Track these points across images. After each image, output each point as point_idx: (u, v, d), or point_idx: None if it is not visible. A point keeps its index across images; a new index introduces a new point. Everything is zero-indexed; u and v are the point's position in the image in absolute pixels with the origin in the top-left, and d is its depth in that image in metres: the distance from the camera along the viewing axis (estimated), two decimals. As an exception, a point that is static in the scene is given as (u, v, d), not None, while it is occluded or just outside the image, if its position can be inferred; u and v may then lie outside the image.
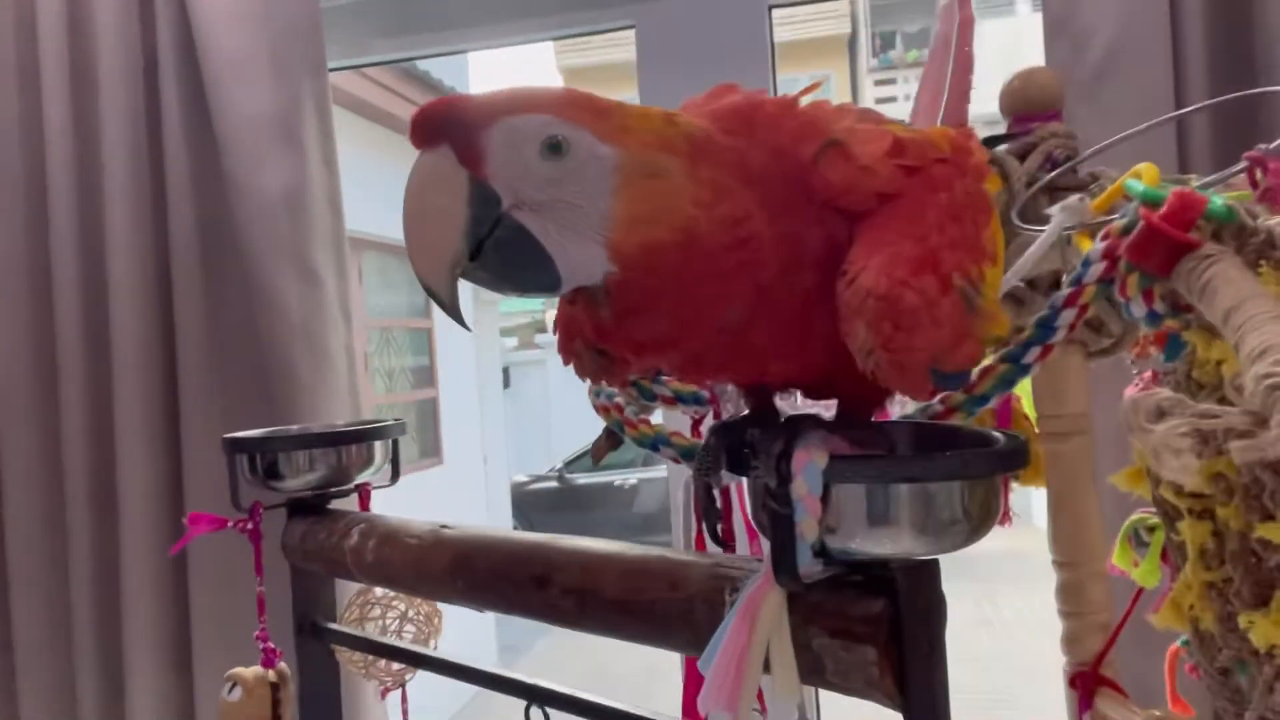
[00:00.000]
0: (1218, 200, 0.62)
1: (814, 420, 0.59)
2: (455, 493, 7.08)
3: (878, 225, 0.54)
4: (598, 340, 0.59)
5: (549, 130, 0.52)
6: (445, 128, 0.52)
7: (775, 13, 1.72)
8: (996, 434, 0.64)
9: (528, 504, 9.94)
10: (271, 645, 1.06)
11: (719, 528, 0.71)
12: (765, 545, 0.60)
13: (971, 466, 0.55)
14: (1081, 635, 0.95)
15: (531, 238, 0.53)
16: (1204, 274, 0.60)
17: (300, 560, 1.06)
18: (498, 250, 0.53)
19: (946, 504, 0.56)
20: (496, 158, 0.52)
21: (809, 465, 0.55)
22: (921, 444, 0.66)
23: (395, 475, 1.12)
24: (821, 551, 0.58)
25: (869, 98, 16.84)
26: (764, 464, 0.56)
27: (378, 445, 1.08)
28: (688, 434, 0.86)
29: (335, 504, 1.10)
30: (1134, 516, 0.93)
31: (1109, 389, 1.02)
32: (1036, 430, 0.98)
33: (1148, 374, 0.90)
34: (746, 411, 0.66)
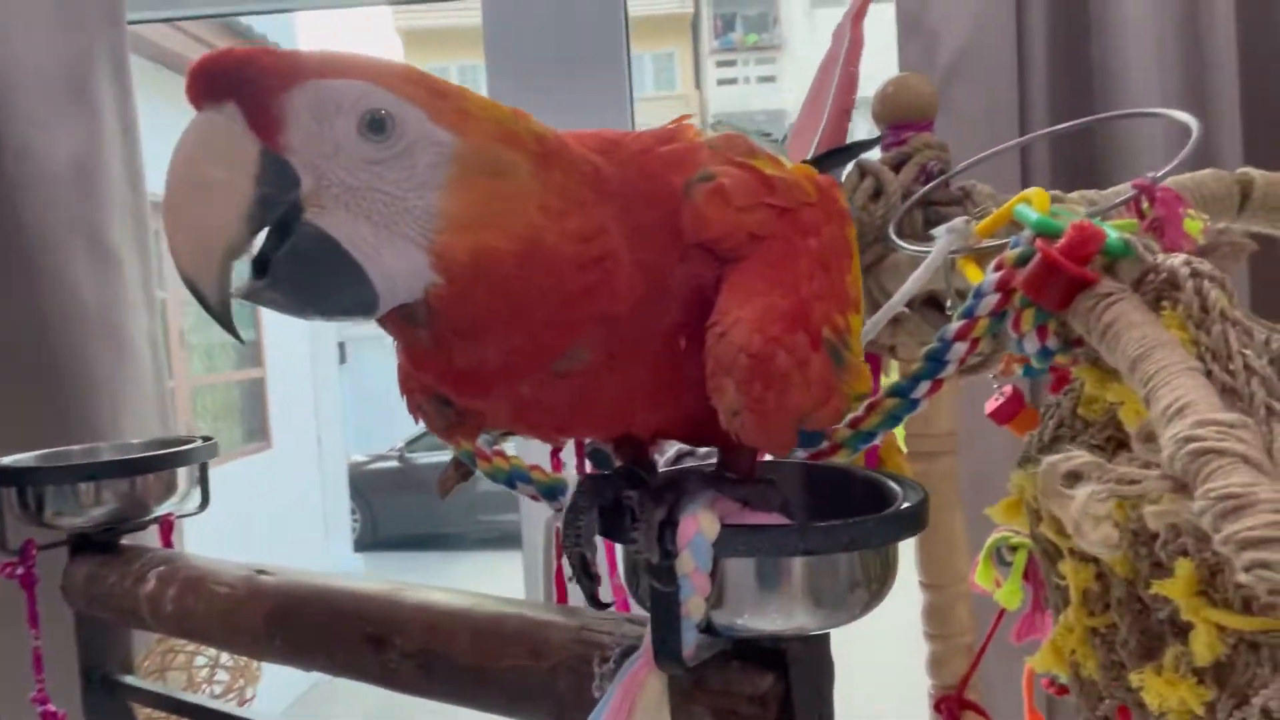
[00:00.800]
0: (1114, 234, 0.59)
1: (699, 477, 0.52)
2: (285, 478, 6.68)
3: (749, 271, 0.49)
4: (413, 368, 0.50)
5: (370, 101, 0.42)
6: (234, 82, 0.41)
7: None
8: (888, 480, 0.59)
9: (366, 485, 9.55)
10: (52, 708, 0.90)
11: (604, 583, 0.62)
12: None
13: (876, 534, 0.49)
14: (947, 658, 0.93)
15: (338, 250, 0.43)
16: (1104, 314, 0.56)
17: (86, 607, 0.91)
18: (294, 263, 0.43)
19: (846, 573, 0.50)
20: (299, 126, 0.42)
21: (697, 538, 0.47)
22: (811, 489, 0.60)
23: (205, 502, 0.98)
24: (706, 627, 0.51)
25: (711, 78, 17.08)
26: (644, 536, 0.48)
27: (182, 471, 0.93)
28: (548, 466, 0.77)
29: (131, 537, 0.95)
30: (996, 535, 0.92)
31: (966, 404, 1.01)
32: (901, 446, 0.96)
33: (1009, 389, 0.89)
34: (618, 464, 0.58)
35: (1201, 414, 0.46)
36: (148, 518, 0.93)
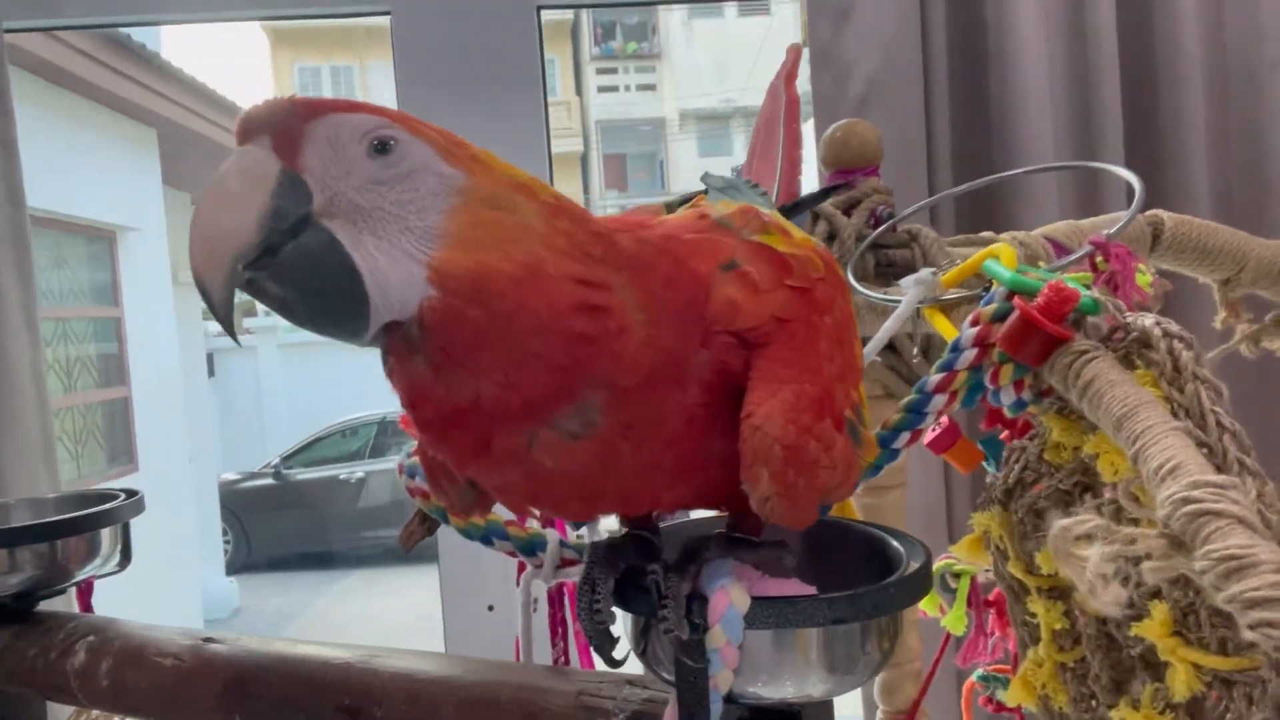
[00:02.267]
0: (1086, 293, 0.62)
1: (715, 543, 0.52)
2: (153, 501, 6.28)
3: (775, 357, 0.50)
4: (411, 410, 0.48)
5: (380, 130, 0.46)
6: (268, 120, 0.46)
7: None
8: (884, 534, 0.60)
9: (239, 505, 9.10)
10: (-42, 798, 0.82)
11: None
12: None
13: (897, 599, 0.50)
14: (898, 684, 0.96)
15: (340, 250, 0.45)
16: (1082, 371, 0.59)
17: (2, 683, 0.83)
18: (297, 258, 0.45)
19: (861, 639, 0.51)
20: (315, 149, 0.46)
21: (730, 612, 0.47)
22: (811, 543, 0.61)
23: (126, 560, 0.91)
24: (726, 697, 0.51)
25: (591, 85, 17.15)
26: (674, 614, 0.48)
27: (105, 530, 0.87)
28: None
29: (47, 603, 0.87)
30: (940, 562, 0.95)
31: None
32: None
33: (945, 420, 0.92)
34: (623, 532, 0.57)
35: (1194, 475, 0.49)
36: (68, 582, 0.86)
